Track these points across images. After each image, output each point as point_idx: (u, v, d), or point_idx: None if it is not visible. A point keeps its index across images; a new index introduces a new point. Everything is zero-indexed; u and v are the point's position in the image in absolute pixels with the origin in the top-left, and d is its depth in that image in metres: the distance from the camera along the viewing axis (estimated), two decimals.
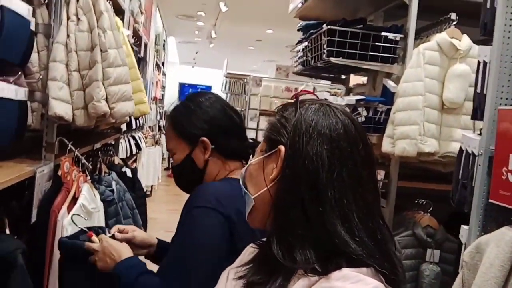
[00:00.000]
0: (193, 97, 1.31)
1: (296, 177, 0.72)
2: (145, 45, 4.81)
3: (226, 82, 8.24)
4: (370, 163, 0.75)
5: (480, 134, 1.18)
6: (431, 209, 2.12)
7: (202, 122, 1.24)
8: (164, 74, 9.31)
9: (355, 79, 3.14)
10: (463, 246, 1.18)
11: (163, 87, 9.21)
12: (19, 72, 1.54)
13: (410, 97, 1.97)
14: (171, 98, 13.54)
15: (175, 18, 8.74)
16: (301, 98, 0.81)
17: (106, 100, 1.85)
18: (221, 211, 1.07)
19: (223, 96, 9.04)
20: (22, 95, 1.60)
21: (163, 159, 8.10)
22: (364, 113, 2.11)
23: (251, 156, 0.89)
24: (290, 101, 0.83)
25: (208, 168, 1.25)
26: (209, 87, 16.33)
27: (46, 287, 1.66)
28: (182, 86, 16.43)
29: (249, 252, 0.89)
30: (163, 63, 8.72)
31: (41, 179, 1.70)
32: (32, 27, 1.66)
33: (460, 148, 1.26)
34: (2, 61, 1.53)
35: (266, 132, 0.83)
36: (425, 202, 2.14)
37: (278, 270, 0.72)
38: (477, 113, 1.20)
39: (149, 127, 6.42)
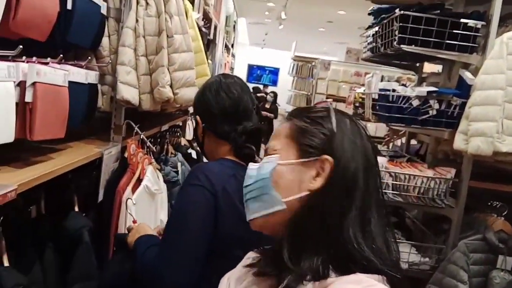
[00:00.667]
0: (207, 81, 1.51)
1: (342, 190, 0.76)
2: (215, 27, 4.85)
3: (294, 65, 8.14)
4: (379, 178, 0.83)
5: None
6: (505, 212, 1.96)
7: (199, 104, 1.47)
8: (233, 55, 9.39)
9: (429, 67, 2.94)
10: None
11: (232, 69, 9.31)
12: (89, 57, 1.60)
13: (488, 90, 1.81)
14: None
15: None
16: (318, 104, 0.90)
17: (171, 86, 1.89)
18: (208, 189, 1.23)
19: (290, 79, 8.95)
20: (93, 78, 1.68)
21: None
22: (436, 105, 1.97)
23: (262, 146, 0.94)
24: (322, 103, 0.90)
25: (205, 143, 1.46)
26: (277, 69, 16.30)
27: None
28: (251, 68, 16.54)
29: (252, 258, 0.88)
30: (232, 45, 8.78)
31: (108, 160, 1.78)
32: (104, 11, 1.73)
33: None
34: (74, 45, 1.61)
35: (295, 133, 0.83)
36: (499, 204, 1.98)
37: (287, 270, 0.73)
38: None
39: None
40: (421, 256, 2.09)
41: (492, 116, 1.76)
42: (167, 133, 2.90)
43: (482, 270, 1.88)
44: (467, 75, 1.94)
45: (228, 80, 1.45)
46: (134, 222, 1.53)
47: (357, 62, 8.02)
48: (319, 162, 0.78)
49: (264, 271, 0.80)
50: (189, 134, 3.92)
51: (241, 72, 14.35)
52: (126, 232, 1.48)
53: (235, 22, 9.25)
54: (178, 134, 3.22)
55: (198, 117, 1.46)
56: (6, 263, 1.17)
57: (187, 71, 1.94)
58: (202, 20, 3.92)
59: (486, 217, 1.96)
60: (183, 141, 3.43)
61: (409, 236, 2.29)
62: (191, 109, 3.90)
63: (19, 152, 1.34)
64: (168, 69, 1.86)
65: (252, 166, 0.86)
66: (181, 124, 3.54)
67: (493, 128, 1.74)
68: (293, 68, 8.21)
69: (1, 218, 1.23)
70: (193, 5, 3.30)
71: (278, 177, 0.80)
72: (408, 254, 2.05)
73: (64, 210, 1.60)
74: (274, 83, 15.78)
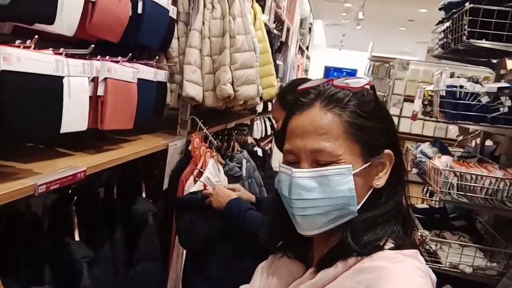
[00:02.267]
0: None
1: (398, 177, 0.78)
2: (288, 29, 4.91)
3: (370, 65, 7.94)
4: None
5: None
6: None
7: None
8: (308, 57, 9.39)
9: (510, 64, 2.75)
10: None
11: (306, 71, 9.31)
12: (156, 57, 1.75)
13: None
14: None
15: (323, 0, 8.70)
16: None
17: (232, 83, 1.99)
18: None
19: (367, 79, 8.72)
20: (162, 77, 1.83)
21: None
22: (508, 103, 1.85)
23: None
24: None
25: None
26: (355, 71, 15.94)
27: (172, 245, 1.90)
28: (328, 70, 16.37)
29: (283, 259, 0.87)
30: (307, 47, 8.79)
31: (174, 151, 1.93)
32: (174, 15, 1.87)
33: None
34: (145, 47, 1.76)
35: (353, 131, 0.74)
36: None
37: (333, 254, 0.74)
38: None
39: None
40: (487, 261, 1.98)
41: None
42: (235, 131, 3.02)
43: None
44: None
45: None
46: (205, 186, 1.78)
47: (438, 61, 7.62)
48: (381, 158, 0.76)
49: (297, 253, 0.83)
50: (257, 132, 4.03)
51: (317, 74, 14.27)
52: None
53: (311, 24, 9.25)
54: (246, 132, 3.33)
55: None
56: (77, 238, 1.33)
57: (248, 69, 2.02)
58: (274, 22, 4.01)
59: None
60: (250, 139, 3.54)
61: (479, 241, 2.16)
62: (259, 109, 4.01)
63: (93, 140, 1.51)
64: (229, 68, 1.96)
65: (305, 174, 0.74)
66: (249, 123, 3.66)
67: None
68: (369, 69, 8.01)
69: (75, 198, 1.40)
70: (264, 8, 3.40)
71: (354, 187, 0.74)
72: (473, 258, 1.95)
73: (133, 195, 1.77)
74: None
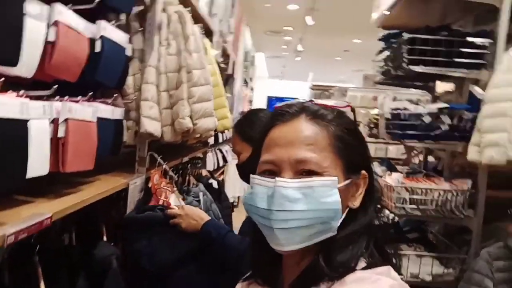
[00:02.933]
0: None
1: (371, 198, 0.78)
2: (233, 63, 5.04)
3: (311, 94, 8.26)
4: None
5: None
6: None
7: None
8: (251, 89, 9.61)
9: (443, 87, 2.99)
10: None
11: (250, 101, 9.50)
12: (115, 94, 1.73)
13: (498, 103, 1.84)
14: None
15: (263, 34, 9.03)
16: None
17: (190, 117, 2.00)
18: None
19: None
20: (118, 114, 1.80)
21: None
22: (448, 121, 2.01)
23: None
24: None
25: None
26: (295, 99, 16.45)
27: None
28: (270, 99, 16.78)
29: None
30: (251, 79, 9.02)
31: (134, 190, 1.89)
32: (129, 53, 1.87)
33: None
34: (102, 84, 1.74)
35: (337, 146, 0.73)
36: None
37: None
38: None
39: None
40: (444, 268, 2.10)
41: (503, 127, 1.78)
42: (189, 164, 3.01)
43: (506, 277, 1.86)
44: (477, 90, 1.99)
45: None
46: (168, 204, 1.73)
47: (374, 87, 8.08)
48: (359, 178, 0.76)
49: (266, 278, 0.79)
50: (210, 165, 4.04)
51: (260, 104, 14.57)
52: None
53: (253, 57, 9.54)
54: (199, 165, 3.32)
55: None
56: None
57: (205, 102, 2.05)
58: (221, 56, 4.10)
59: (506, 226, 1.96)
60: (204, 172, 3.54)
61: (432, 250, 2.29)
62: (211, 141, 4.04)
63: (52, 184, 1.45)
64: (187, 102, 1.98)
65: (289, 184, 0.71)
66: (202, 155, 3.66)
67: (505, 138, 1.77)
68: (310, 97, 8.32)
69: (38, 246, 1.32)
70: (212, 42, 3.47)
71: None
72: (431, 266, 2.06)
73: (93, 239, 1.70)
74: None
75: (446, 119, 1.98)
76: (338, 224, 0.72)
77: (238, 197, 6.64)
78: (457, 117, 1.99)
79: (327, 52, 10.45)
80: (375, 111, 2.61)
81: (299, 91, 15.79)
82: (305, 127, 0.74)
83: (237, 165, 1.69)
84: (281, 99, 18.21)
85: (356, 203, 0.75)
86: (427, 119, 1.99)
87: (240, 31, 6.76)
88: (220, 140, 4.37)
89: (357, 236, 0.73)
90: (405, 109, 2.04)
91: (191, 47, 2.03)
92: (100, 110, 1.57)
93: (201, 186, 2.89)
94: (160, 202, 1.95)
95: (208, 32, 3.06)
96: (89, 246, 1.63)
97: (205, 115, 2.05)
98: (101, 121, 1.57)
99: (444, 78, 2.46)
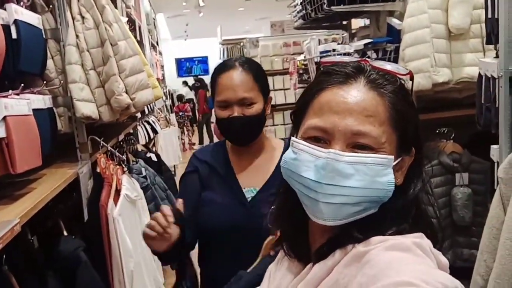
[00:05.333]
0: (255, 61, 1.40)
1: (417, 176, 0.71)
2: (139, 28, 4.78)
3: (223, 49, 8.17)
4: None
5: (497, 56, 1.22)
6: (453, 135, 2.17)
7: (267, 83, 1.38)
8: (160, 53, 9.24)
9: (356, 23, 3.13)
10: (496, 164, 1.24)
11: (162, 66, 9.18)
12: (44, 82, 1.59)
13: (416, 31, 1.99)
14: (171, 76, 13.52)
15: None
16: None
17: (126, 92, 1.91)
18: None
19: None
20: (48, 102, 1.67)
21: (179, 137, 8.18)
22: (374, 55, 2.13)
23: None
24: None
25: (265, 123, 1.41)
26: (206, 57, 16.21)
27: (111, 277, 1.78)
28: (179, 61, 16.32)
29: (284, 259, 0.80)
30: (157, 43, 8.64)
31: (84, 178, 1.79)
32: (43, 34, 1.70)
33: (479, 73, 1.30)
34: (24, 73, 1.59)
35: (394, 119, 0.66)
36: (446, 130, 2.19)
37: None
38: (491, 38, 1.23)
39: (159, 109, 6.47)
40: None
41: (424, 53, 1.94)
42: (122, 142, 2.90)
43: (444, 190, 2.09)
44: (395, 21, 2.12)
45: None
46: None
47: (283, 33, 8.20)
48: (410, 155, 0.69)
49: (294, 249, 0.76)
50: (142, 139, 3.91)
51: (170, 68, 14.13)
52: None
53: (154, 19, 9.07)
54: (133, 141, 3.21)
55: (271, 98, 1.38)
56: None
57: (139, 74, 1.96)
58: (127, 23, 3.87)
59: (438, 144, 2.17)
60: (139, 147, 3.43)
61: None
62: (139, 114, 3.88)
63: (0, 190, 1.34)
64: (120, 76, 1.88)
65: (344, 157, 0.64)
66: (132, 131, 3.53)
67: (427, 63, 1.93)
68: (223, 53, 8.24)
69: (4, 256, 1.23)
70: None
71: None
72: None
73: (53, 237, 1.61)
74: (206, 71, 15.72)
75: (372, 54, 2.10)
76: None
77: (174, 166, 6.56)
78: (382, 50, 2.12)
79: (229, 3, 10.27)
80: (302, 57, 2.67)
81: (206, 48, 15.52)
82: (365, 95, 0.66)
83: (241, 117, 1.29)
84: (190, 60, 17.74)
85: (400, 179, 0.68)
86: (355, 57, 2.09)
87: None
88: (146, 111, 4.22)
89: (395, 213, 0.67)
90: (333, 50, 2.12)
91: (109, 18, 1.90)
92: (33, 101, 1.44)
93: (141, 161, 2.81)
94: (113, 185, 1.89)
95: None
96: (52, 245, 1.56)
97: (141, 88, 1.96)
98: (37, 113, 1.45)
99: (359, 14, 2.57)
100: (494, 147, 1.25)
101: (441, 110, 2.29)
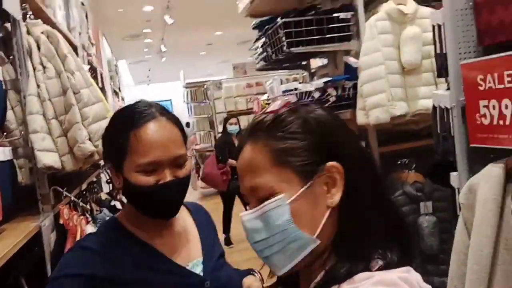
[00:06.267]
0: (164, 107, 1.14)
1: (363, 184, 0.69)
2: (101, 75, 4.78)
3: (187, 92, 8.24)
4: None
5: (448, 89, 1.30)
6: (414, 165, 2.24)
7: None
8: (123, 99, 9.21)
9: (315, 63, 3.25)
10: (456, 191, 1.29)
11: None
12: (4, 133, 1.55)
13: (372, 68, 2.09)
14: None
15: (121, 40, 8.67)
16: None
17: (90, 139, 1.88)
18: None
19: (185, 106, 9.03)
20: (8, 154, 1.62)
21: None
22: (334, 93, 2.21)
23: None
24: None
25: None
26: (169, 100, 16.26)
27: None
28: None
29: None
30: (119, 89, 8.63)
31: (46, 231, 1.72)
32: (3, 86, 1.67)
33: (433, 105, 1.37)
34: None
35: (279, 158, 0.67)
36: (407, 160, 2.26)
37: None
38: (442, 72, 1.31)
39: None
40: None
41: (381, 89, 2.04)
42: (85, 192, 2.83)
43: (410, 220, 2.14)
44: (351, 60, 2.22)
45: None
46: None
47: (245, 75, 8.40)
48: (325, 173, 0.67)
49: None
50: (105, 187, 3.81)
51: None
52: None
53: (115, 65, 9.11)
54: (96, 189, 3.13)
55: None
56: None
57: (102, 121, 1.93)
58: (89, 70, 3.86)
59: (400, 175, 2.23)
60: (103, 196, 3.34)
61: None
62: (101, 162, 3.80)
63: None
64: (83, 124, 1.85)
65: (248, 216, 0.69)
66: (95, 179, 3.44)
67: (384, 98, 2.02)
68: (187, 96, 8.31)
69: None
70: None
71: (296, 217, 0.66)
72: None
73: None
74: None
75: (332, 92, 2.18)
76: (317, 233, 0.66)
77: None
78: (341, 87, 2.21)
79: (191, 48, 10.47)
80: (265, 96, 2.73)
81: (169, 92, 15.58)
82: (249, 154, 0.70)
83: (174, 182, 1.02)
84: None
85: (334, 199, 0.67)
86: (316, 95, 2.16)
87: (99, 41, 6.41)
88: None
89: (360, 230, 0.67)
90: (295, 89, 2.19)
91: (71, 66, 1.89)
92: None
93: (105, 210, 2.72)
94: (77, 237, 1.82)
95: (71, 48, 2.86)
96: None
97: None
98: None
99: (317, 54, 2.68)
100: (453, 174, 1.30)
101: (400, 142, 2.38)
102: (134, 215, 1.05)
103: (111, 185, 3.83)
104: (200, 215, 1.20)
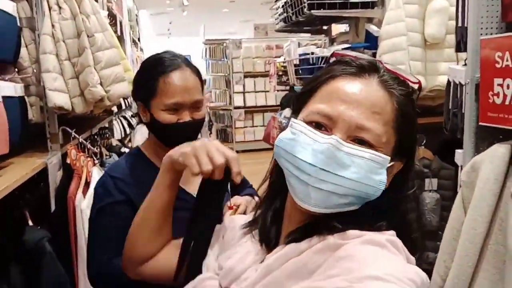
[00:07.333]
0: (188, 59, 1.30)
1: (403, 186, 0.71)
2: (121, 23, 4.73)
3: (206, 49, 8.15)
4: None
5: (465, 64, 1.25)
6: (424, 141, 2.22)
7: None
8: (141, 49, 9.16)
9: (337, 29, 3.17)
10: (460, 168, 1.28)
11: None
12: (15, 69, 1.56)
13: (393, 38, 2.02)
14: None
15: None
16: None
17: (101, 84, 1.89)
18: None
19: (204, 63, 8.96)
20: (20, 91, 1.64)
21: None
22: None
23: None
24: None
25: None
26: (188, 56, 16.12)
27: (76, 269, 1.75)
28: None
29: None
30: (139, 39, 8.56)
31: (53, 169, 1.76)
32: (17, 22, 1.67)
33: (448, 80, 1.33)
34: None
35: (397, 121, 0.65)
36: (418, 136, 2.23)
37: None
38: (461, 46, 1.27)
39: None
40: None
41: (400, 60, 1.98)
42: (97, 136, 2.87)
43: (414, 195, 2.14)
44: (373, 28, 2.16)
45: None
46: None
47: (266, 36, 8.25)
48: (399, 164, 0.68)
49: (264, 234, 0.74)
50: (117, 134, 3.86)
51: None
52: None
53: (136, 15, 8.99)
54: (108, 135, 3.18)
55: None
56: None
57: (115, 67, 1.94)
58: (108, 17, 3.82)
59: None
60: (114, 142, 3.39)
61: None
62: (115, 109, 3.83)
63: None
64: (95, 68, 1.85)
65: (344, 147, 0.63)
66: (107, 125, 3.49)
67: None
68: (206, 52, 8.22)
69: None
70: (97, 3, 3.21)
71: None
72: None
73: (18, 227, 1.57)
74: None
75: None
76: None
77: None
78: None
79: (214, 4, 10.24)
80: (281, 59, 2.69)
81: (189, 47, 15.42)
82: (375, 91, 0.65)
83: (190, 122, 1.18)
84: None
85: (387, 183, 0.67)
86: (332, 61, 2.11)
87: None
88: (123, 106, 4.17)
89: (376, 212, 0.67)
90: (312, 53, 2.15)
91: (87, 9, 1.88)
92: (3, 88, 1.41)
93: (114, 156, 2.77)
94: (83, 177, 1.86)
95: None
96: (16, 234, 1.52)
97: (117, 80, 1.94)
98: (7, 100, 1.42)
99: (339, 19, 2.60)
100: (458, 151, 1.28)
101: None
102: (154, 146, 1.23)
103: (123, 132, 3.83)
104: None
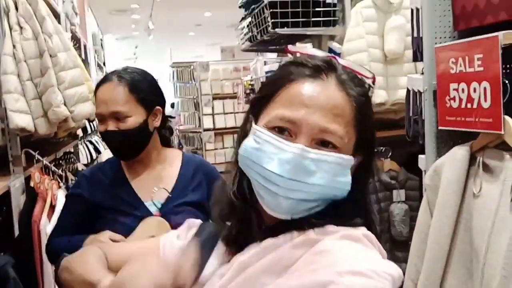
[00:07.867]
0: (143, 71, 1.41)
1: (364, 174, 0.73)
2: (85, 47, 4.69)
3: (173, 71, 8.15)
4: None
5: (422, 73, 1.31)
6: (390, 154, 2.28)
7: (158, 93, 1.40)
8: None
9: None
10: (423, 173, 1.32)
11: None
12: None
13: (355, 54, 2.10)
14: None
15: (108, 14, 8.49)
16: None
17: (65, 104, 1.85)
18: None
19: (172, 86, 8.94)
20: None
21: None
22: None
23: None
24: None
25: (153, 137, 1.36)
26: (157, 79, 16.05)
27: None
28: None
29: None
30: (104, 63, 8.48)
31: (16, 192, 1.70)
32: None
33: (407, 89, 1.39)
34: None
35: (356, 119, 0.67)
36: (383, 149, 2.30)
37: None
38: (417, 55, 1.33)
39: None
40: None
41: None
42: (62, 160, 2.80)
43: (383, 207, 2.18)
44: (335, 45, 2.22)
45: None
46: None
47: (233, 58, 8.34)
48: (357, 160, 0.69)
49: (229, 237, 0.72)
50: (83, 158, 3.78)
51: None
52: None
53: (101, 40, 8.93)
54: (73, 159, 3.11)
55: (158, 109, 1.39)
56: None
57: (79, 87, 1.91)
58: (71, 40, 3.78)
59: (376, 162, 2.26)
60: (80, 166, 3.31)
61: None
62: (80, 133, 3.76)
63: None
64: (58, 88, 1.82)
65: (310, 154, 0.63)
66: (73, 149, 3.41)
67: None
68: (173, 75, 8.22)
69: None
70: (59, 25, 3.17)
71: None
72: None
73: None
74: None
75: None
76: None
77: None
78: None
79: (179, 27, 10.32)
80: (248, 77, 2.73)
81: (155, 70, 15.36)
82: (335, 93, 0.66)
83: (115, 132, 1.27)
84: None
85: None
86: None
87: (84, 11, 6.27)
88: (89, 130, 4.09)
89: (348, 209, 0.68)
90: None
91: (50, 29, 1.86)
92: None
93: None
94: (48, 201, 1.80)
95: (53, 14, 2.80)
96: None
97: (82, 100, 1.91)
98: None
99: (302, 38, 2.67)
100: (421, 156, 1.33)
101: (378, 130, 2.39)
102: None
103: (89, 156, 3.74)
104: (188, 171, 1.38)
